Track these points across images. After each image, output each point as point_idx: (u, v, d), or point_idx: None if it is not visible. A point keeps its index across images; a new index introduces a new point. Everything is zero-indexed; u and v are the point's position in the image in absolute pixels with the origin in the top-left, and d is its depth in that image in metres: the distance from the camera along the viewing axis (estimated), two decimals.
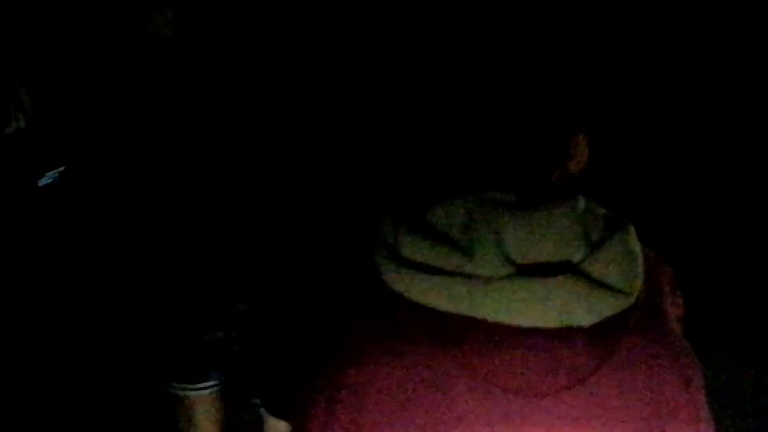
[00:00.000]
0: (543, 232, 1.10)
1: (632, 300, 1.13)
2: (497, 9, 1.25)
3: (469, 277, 1.10)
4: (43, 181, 2.36)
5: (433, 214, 1.14)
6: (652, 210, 4.19)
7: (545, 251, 1.10)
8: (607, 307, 1.11)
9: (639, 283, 1.15)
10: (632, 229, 1.18)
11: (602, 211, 1.18)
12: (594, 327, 1.11)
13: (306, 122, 2.29)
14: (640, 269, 1.15)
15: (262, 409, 2.74)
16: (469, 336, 1.10)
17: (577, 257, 1.11)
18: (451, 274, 1.10)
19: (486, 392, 1.11)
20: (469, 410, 1.11)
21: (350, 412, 1.13)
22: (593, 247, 1.13)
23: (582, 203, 1.15)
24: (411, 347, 1.12)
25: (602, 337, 1.12)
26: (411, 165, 1.25)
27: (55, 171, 2.37)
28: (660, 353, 1.17)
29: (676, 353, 1.19)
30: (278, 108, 2.31)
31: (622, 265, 1.13)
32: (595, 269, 1.12)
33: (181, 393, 2.77)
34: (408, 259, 1.12)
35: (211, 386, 2.74)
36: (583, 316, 1.10)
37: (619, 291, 1.12)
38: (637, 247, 1.17)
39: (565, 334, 1.09)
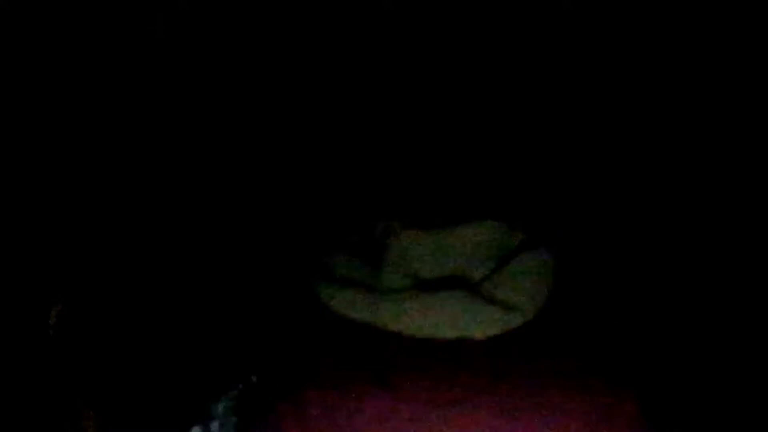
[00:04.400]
0: (447, 252, 1.20)
1: (528, 317, 1.22)
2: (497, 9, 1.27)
3: (374, 289, 1.22)
4: None
5: (355, 234, 1.29)
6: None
7: (447, 269, 1.21)
8: (499, 322, 1.19)
9: (536, 303, 1.23)
10: (544, 251, 1.28)
11: (518, 235, 1.29)
12: (490, 341, 1.19)
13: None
14: (540, 291, 1.24)
15: None
16: (383, 351, 1.19)
17: (476, 276, 1.23)
18: (361, 286, 1.22)
19: (393, 402, 1.18)
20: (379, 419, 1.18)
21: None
22: (495, 268, 1.24)
23: (492, 227, 1.25)
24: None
25: (499, 352, 1.20)
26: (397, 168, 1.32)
27: None
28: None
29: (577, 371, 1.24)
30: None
31: (521, 285, 1.23)
32: (491, 288, 1.22)
33: None
34: (334, 275, 1.25)
35: None
36: (476, 330, 1.18)
37: (514, 309, 1.20)
38: (542, 270, 1.26)
39: (462, 347, 1.19)
